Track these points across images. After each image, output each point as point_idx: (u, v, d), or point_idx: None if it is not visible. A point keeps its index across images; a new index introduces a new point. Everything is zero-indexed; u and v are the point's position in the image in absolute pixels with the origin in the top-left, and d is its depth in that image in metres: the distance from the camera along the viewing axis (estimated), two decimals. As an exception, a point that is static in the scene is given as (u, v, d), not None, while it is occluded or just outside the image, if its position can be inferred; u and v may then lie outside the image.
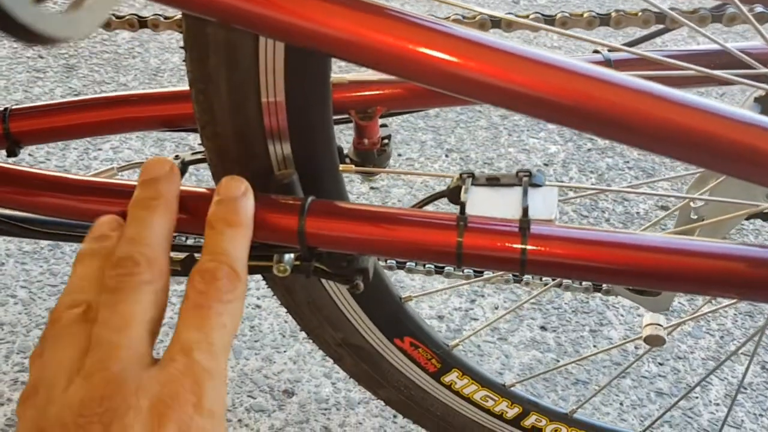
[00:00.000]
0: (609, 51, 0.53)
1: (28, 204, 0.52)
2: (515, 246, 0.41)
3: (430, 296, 1.06)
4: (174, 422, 0.30)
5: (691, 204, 0.59)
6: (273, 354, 0.95)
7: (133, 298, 0.33)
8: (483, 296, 1.08)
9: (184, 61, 0.44)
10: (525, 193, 0.43)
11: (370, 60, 0.36)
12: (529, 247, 0.41)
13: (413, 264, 0.73)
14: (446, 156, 1.35)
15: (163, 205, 0.38)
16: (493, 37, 0.35)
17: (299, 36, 0.36)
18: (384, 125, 0.62)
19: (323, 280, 0.57)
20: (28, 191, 0.52)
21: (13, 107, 0.57)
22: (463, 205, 0.42)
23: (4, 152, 0.59)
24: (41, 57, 1.45)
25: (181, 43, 0.42)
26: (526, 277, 0.74)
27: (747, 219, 0.57)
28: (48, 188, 0.51)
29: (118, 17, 0.62)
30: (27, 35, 0.18)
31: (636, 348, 1.03)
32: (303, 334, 0.98)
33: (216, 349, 0.33)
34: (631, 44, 0.55)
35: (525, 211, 0.42)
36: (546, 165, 1.36)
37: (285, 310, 0.61)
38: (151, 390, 0.31)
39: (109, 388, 0.30)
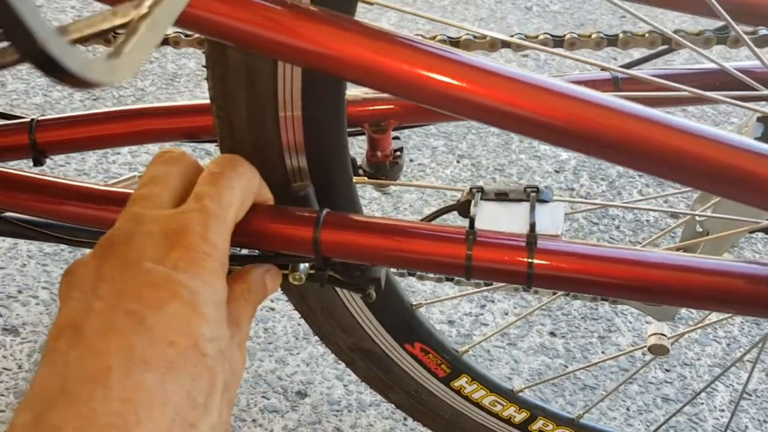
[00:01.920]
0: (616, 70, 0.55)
1: (53, 212, 0.55)
2: (522, 260, 0.43)
3: (441, 302, 1.07)
4: (182, 245, 0.35)
5: (696, 218, 0.61)
6: (286, 356, 0.97)
7: (163, 166, 0.41)
8: (493, 302, 1.10)
9: (206, 79, 0.46)
10: (532, 209, 0.45)
11: (383, 85, 0.38)
12: (535, 261, 0.43)
13: (426, 273, 0.74)
14: (457, 162, 1.37)
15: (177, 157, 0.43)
16: (496, 63, 0.37)
17: (314, 62, 0.38)
18: (396, 137, 0.63)
19: (337, 288, 0.59)
20: (54, 200, 0.54)
21: (40, 118, 0.59)
22: (472, 220, 0.44)
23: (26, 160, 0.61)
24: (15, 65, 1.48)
25: (198, 49, 0.44)
26: (531, 289, 0.75)
27: (750, 233, 0.59)
28: (72, 197, 0.53)
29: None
30: (74, 81, 0.20)
31: (643, 354, 1.05)
32: (316, 338, 1.00)
33: (224, 203, 0.39)
34: (637, 63, 0.56)
35: (532, 226, 0.43)
36: (557, 172, 1.38)
37: (299, 314, 0.63)
38: (164, 221, 0.36)
39: (130, 220, 0.37)
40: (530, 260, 0.43)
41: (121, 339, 0.32)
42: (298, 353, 0.97)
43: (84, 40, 0.23)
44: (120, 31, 0.24)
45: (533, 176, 1.36)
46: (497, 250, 0.43)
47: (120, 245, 0.35)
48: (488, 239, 0.43)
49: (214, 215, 0.37)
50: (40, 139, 0.58)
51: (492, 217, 0.45)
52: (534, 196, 0.46)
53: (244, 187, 0.41)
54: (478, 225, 0.44)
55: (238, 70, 0.43)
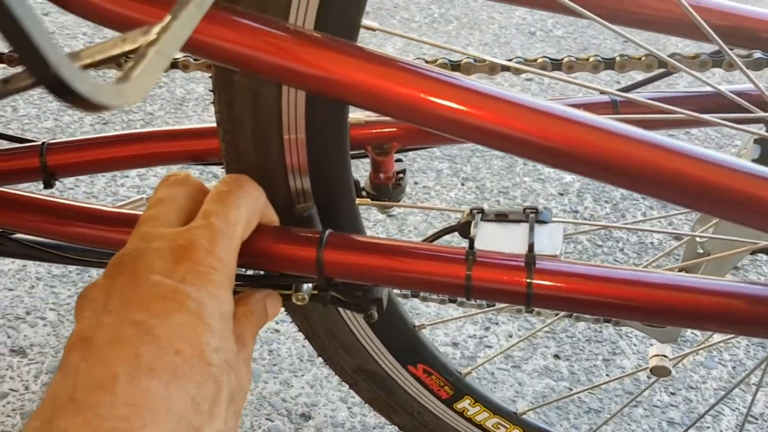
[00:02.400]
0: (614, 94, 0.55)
1: (63, 234, 0.56)
2: (521, 280, 0.43)
3: (445, 323, 1.08)
4: (189, 259, 0.37)
5: (697, 239, 0.61)
6: (291, 378, 0.97)
7: (171, 188, 0.42)
8: (497, 324, 1.10)
9: (212, 103, 0.47)
10: (531, 229, 0.46)
11: (384, 109, 0.39)
12: (534, 281, 0.43)
13: (428, 293, 0.75)
14: (462, 185, 1.38)
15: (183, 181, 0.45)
16: (496, 87, 0.38)
17: (317, 86, 0.40)
18: (399, 160, 0.64)
19: (339, 309, 0.60)
20: (63, 222, 0.55)
21: (50, 141, 0.60)
22: (472, 240, 0.45)
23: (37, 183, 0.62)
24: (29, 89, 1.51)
25: (207, 75, 0.45)
26: (530, 309, 0.76)
27: (751, 254, 0.59)
28: (81, 219, 0.55)
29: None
30: (85, 105, 0.21)
31: (648, 377, 1.04)
32: (320, 359, 1.00)
33: (231, 220, 0.40)
34: (635, 87, 0.57)
35: (531, 246, 0.44)
36: (561, 194, 1.38)
37: (303, 335, 0.63)
38: (172, 237, 0.38)
39: (138, 239, 0.38)
40: (529, 280, 0.43)
41: (128, 348, 0.33)
42: (302, 375, 0.98)
43: (95, 66, 0.24)
44: (130, 57, 0.25)
45: (537, 198, 1.36)
46: (497, 270, 0.44)
47: (129, 263, 0.37)
48: (488, 259, 0.44)
49: (220, 231, 0.39)
50: (50, 162, 0.60)
51: (492, 238, 0.46)
52: (533, 216, 0.47)
53: (250, 206, 0.43)
54: (478, 245, 0.45)
55: (244, 95, 0.44)
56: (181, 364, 0.34)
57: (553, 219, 0.47)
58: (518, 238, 0.46)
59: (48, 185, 0.60)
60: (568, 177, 1.43)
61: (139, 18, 0.39)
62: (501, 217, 0.47)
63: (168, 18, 0.25)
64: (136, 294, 0.35)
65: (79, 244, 0.58)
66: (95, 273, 1.06)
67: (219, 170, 1.30)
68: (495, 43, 1.90)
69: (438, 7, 2.06)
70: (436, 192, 1.35)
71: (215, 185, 0.43)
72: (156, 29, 0.25)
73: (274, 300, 0.47)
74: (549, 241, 0.45)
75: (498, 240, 0.46)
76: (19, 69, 0.22)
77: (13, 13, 0.19)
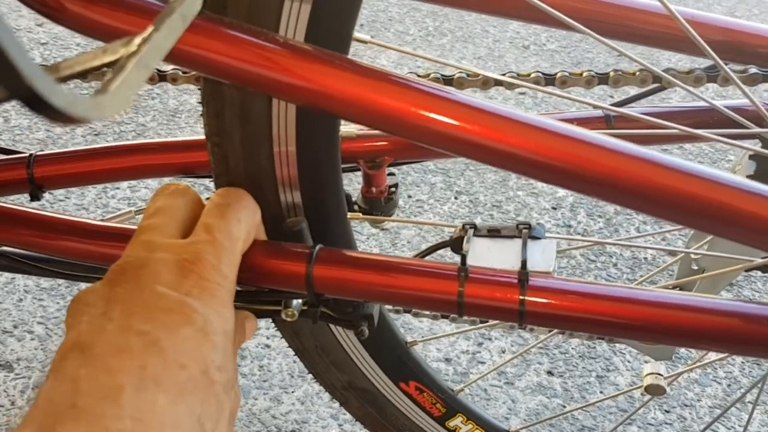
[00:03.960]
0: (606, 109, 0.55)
1: (50, 247, 0.55)
2: (514, 297, 0.43)
3: (437, 339, 1.07)
4: (196, 274, 0.36)
5: (692, 255, 0.61)
6: (281, 394, 0.96)
7: (169, 199, 0.41)
8: (490, 339, 1.09)
9: (201, 115, 0.46)
10: (524, 246, 0.45)
11: (374, 122, 0.38)
12: (527, 298, 0.42)
13: (419, 309, 0.74)
14: (455, 198, 1.37)
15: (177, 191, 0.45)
16: (488, 101, 0.37)
17: (307, 99, 0.39)
18: (391, 174, 0.64)
19: (330, 325, 0.59)
20: (51, 235, 0.54)
21: (38, 153, 0.60)
22: (464, 256, 0.44)
23: (25, 195, 0.62)
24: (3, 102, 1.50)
25: (198, 86, 0.44)
26: (522, 326, 0.75)
27: (746, 271, 0.59)
28: (69, 233, 0.54)
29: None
30: (60, 117, 0.20)
31: (643, 395, 1.04)
32: (311, 376, 0.99)
33: (233, 235, 0.40)
34: (629, 101, 0.57)
35: (524, 263, 0.43)
36: (554, 209, 1.38)
37: (293, 351, 0.62)
38: (178, 251, 0.37)
39: (141, 248, 0.38)
40: (522, 297, 0.42)
41: (133, 359, 0.32)
42: (293, 391, 0.96)
43: (74, 77, 0.24)
44: (110, 68, 0.24)
45: (530, 213, 1.36)
46: (489, 286, 0.43)
47: (132, 271, 0.36)
48: (480, 276, 0.43)
49: (224, 247, 0.39)
50: (38, 173, 0.59)
51: (484, 254, 0.45)
52: (526, 232, 0.46)
53: (249, 220, 0.42)
54: (470, 261, 0.44)
55: (233, 107, 0.44)
56: (186, 380, 0.33)
57: (547, 235, 0.47)
58: (511, 254, 0.45)
59: (35, 197, 0.59)
60: (562, 191, 1.42)
61: (126, 29, 0.38)
62: (494, 233, 0.47)
63: (150, 29, 0.25)
64: (141, 303, 0.34)
65: (66, 258, 0.57)
66: (84, 287, 1.05)
67: (210, 182, 1.29)
68: (489, 57, 1.91)
69: (432, 20, 2.07)
70: (429, 205, 1.34)
71: (212, 197, 0.43)
72: (137, 40, 0.24)
73: (252, 322, 0.47)
74: (542, 257, 0.45)
75: (491, 256, 0.45)
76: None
77: None
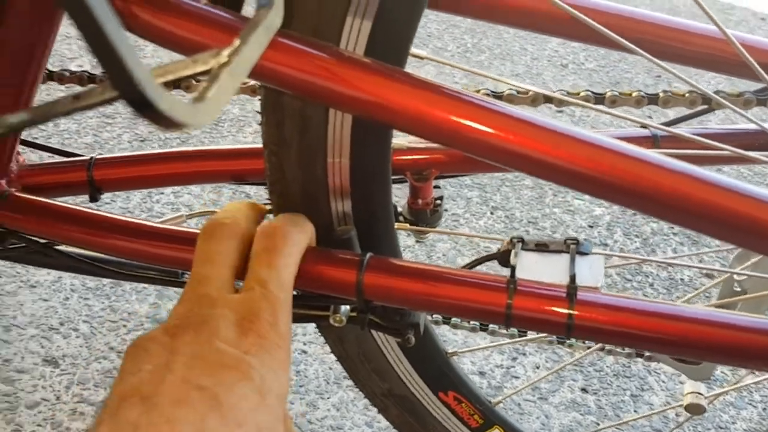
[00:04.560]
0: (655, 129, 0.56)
1: (107, 246, 0.57)
2: (562, 311, 0.43)
3: (472, 352, 1.07)
4: (254, 333, 0.37)
5: (735, 276, 0.61)
6: (317, 399, 0.97)
7: (220, 244, 0.42)
8: (525, 354, 1.09)
9: (260, 124, 0.48)
10: (573, 260, 0.46)
11: (432, 134, 0.40)
12: (575, 312, 0.43)
13: (459, 320, 0.75)
14: (491, 213, 1.38)
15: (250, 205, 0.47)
16: (537, 115, 0.38)
17: (366, 110, 0.40)
18: (437, 186, 0.65)
19: (373, 332, 0.60)
20: (108, 234, 0.56)
21: (98, 157, 0.62)
22: (513, 269, 0.45)
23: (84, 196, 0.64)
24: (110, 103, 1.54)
25: (243, 97, 0.46)
26: (570, 339, 0.75)
27: (790, 293, 0.59)
28: (128, 233, 0.55)
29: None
30: (164, 121, 0.22)
31: (677, 415, 1.03)
32: (347, 382, 1.00)
33: (285, 285, 0.41)
34: (677, 122, 0.58)
35: (573, 278, 0.44)
36: (591, 227, 1.38)
37: (330, 356, 0.63)
38: (235, 306, 0.38)
39: (200, 302, 0.38)
40: (570, 311, 0.43)
41: (194, 412, 0.33)
42: (328, 397, 0.98)
43: (169, 84, 0.25)
44: (200, 78, 0.26)
45: (567, 230, 1.36)
46: (537, 299, 0.44)
47: (193, 326, 0.37)
48: (529, 288, 0.44)
49: (279, 302, 0.39)
50: (97, 176, 0.61)
51: (532, 268, 0.46)
52: (574, 248, 0.47)
53: (298, 255, 0.44)
54: (518, 274, 0.45)
55: (293, 117, 0.45)
56: None
57: (594, 251, 0.48)
58: (559, 268, 0.46)
59: (93, 199, 0.62)
60: (599, 210, 1.42)
61: (197, 40, 0.40)
62: (541, 247, 0.48)
63: (237, 42, 0.26)
64: (201, 358, 0.35)
65: (123, 258, 0.59)
66: (128, 287, 1.08)
67: (252, 190, 1.32)
68: (527, 75, 1.91)
69: (471, 36, 2.08)
70: (465, 220, 1.35)
71: (259, 235, 0.43)
72: (227, 52, 0.26)
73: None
74: (590, 272, 0.46)
75: (538, 270, 0.46)
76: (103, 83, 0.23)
77: (102, 29, 0.20)
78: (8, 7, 0.49)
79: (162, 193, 1.28)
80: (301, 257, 0.44)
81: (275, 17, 0.28)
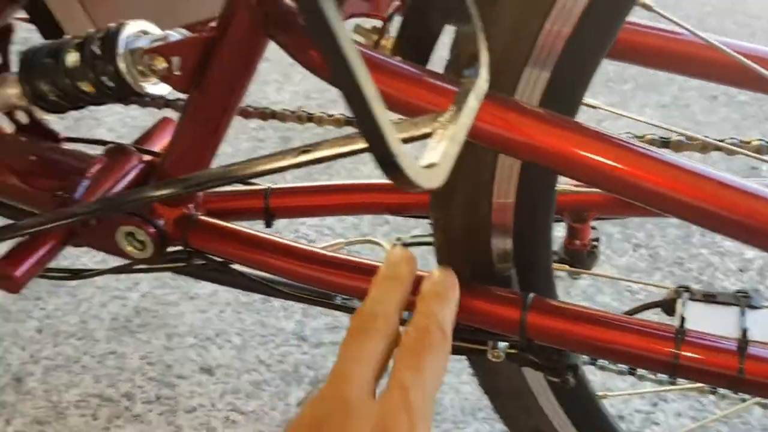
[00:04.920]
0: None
1: (277, 268, 0.62)
2: (732, 364, 0.43)
3: (617, 396, 1.05)
4: None
5: None
6: (452, 429, 0.98)
7: (370, 343, 0.40)
8: (665, 401, 1.06)
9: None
10: (743, 314, 0.45)
11: (599, 182, 0.41)
12: (745, 366, 0.43)
13: (606, 362, 0.74)
14: (634, 251, 1.34)
15: (401, 281, 0.44)
16: (702, 165, 0.39)
17: (540, 158, 0.42)
18: (594, 228, 0.65)
19: (524, 369, 0.61)
20: (280, 258, 0.61)
21: (273, 186, 0.67)
22: (683, 319, 0.45)
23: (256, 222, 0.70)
24: (263, 128, 1.64)
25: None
26: (722, 390, 0.73)
27: None
28: (297, 258, 0.60)
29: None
30: (401, 180, 0.24)
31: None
32: (481, 414, 1.01)
33: (428, 392, 0.38)
34: None
35: (744, 331, 0.44)
36: (741, 271, 1.31)
37: (466, 387, 0.65)
38: (374, 417, 0.37)
39: (337, 408, 0.37)
40: (740, 365, 0.43)
41: None
42: (463, 428, 0.99)
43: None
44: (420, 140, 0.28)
45: (715, 273, 1.30)
46: (706, 351, 0.44)
47: (332, 426, 0.37)
48: (698, 339, 0.44)
49: (420, 414, 0.37)
50: (272, 204, 0.66)
51: (700, 318, 0.46)
52: (745, 300, 0.46)
53: (446, 358, 0.41)
54: (686, 325, 0.45)
55: (465, 160, 0.48)
56: None
57: (765, 304, 0.47)
58: (728, 321, 0.46)
59: (268, 224, 0.67)
60: (750, 253, 1.35)
61: (413, 103, 0.43)
62: (709, 298, 0.47)
63: (453, 108, 0.29)
64: None
65: (290, 280, 0.64)
66: (277, 303, 1.14)
67: (391, 218, 1.36)
68: (674, 106, 1.85)
69: (614, 65, 2.04)
70: (606, 257, 1.33)
71: (412, 328, 0.41)
72: (445, 117, 0.28)
73: None
74: (761, 327, 0.45)
75: (707, 321, 0.46)
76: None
77: (363, 91, 0.22)
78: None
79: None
80: (448, 360, 0.41)
81: (483, 83, 0.31)
